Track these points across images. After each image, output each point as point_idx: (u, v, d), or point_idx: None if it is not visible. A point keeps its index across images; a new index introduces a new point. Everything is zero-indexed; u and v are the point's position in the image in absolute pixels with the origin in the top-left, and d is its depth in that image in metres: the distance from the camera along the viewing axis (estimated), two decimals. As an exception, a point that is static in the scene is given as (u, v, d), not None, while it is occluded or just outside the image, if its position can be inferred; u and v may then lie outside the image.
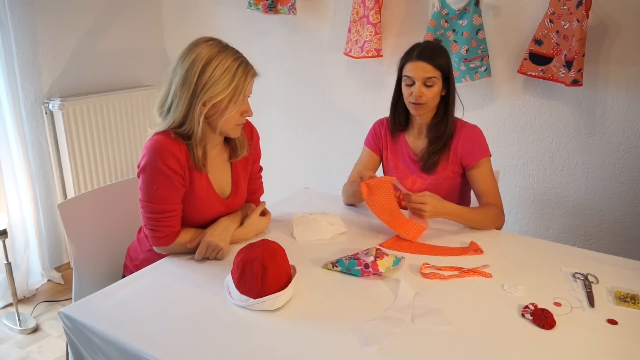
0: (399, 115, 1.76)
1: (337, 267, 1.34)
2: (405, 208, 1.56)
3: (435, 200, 1.51)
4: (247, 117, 1.43)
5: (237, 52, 1.37)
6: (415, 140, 1.76)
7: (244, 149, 1.52)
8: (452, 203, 1.57)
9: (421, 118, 1.70)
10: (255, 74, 1.38)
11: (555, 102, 2.16)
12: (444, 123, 1.68)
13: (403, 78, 1.66)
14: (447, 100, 1.67)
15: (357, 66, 2.62)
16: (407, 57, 1.65)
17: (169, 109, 1.36)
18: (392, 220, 1.53)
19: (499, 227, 1.63)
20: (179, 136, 1.37)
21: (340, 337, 1.05)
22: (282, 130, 2.99)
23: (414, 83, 1.62)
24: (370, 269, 1.29)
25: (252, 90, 1.40)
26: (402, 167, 1.79)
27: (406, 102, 1.67)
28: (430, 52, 1.62)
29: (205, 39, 1.36)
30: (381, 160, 1.86)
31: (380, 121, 1.84)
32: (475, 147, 1.66)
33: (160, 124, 1.38)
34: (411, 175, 1.77)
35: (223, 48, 1.34)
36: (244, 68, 1.35)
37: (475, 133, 1.69)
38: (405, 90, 1.66)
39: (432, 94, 1.62)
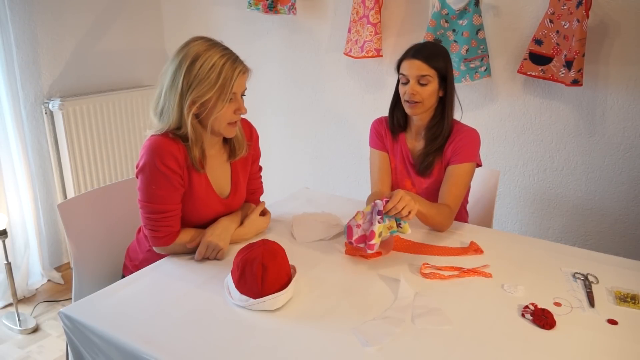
0: (398, 116, 1.75)
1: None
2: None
3: (407, 192, 1.39)
4: (242, 115, 1.40)
5: (225, 48, 1.34)
6: (414, 142, 1.75)
7: (242, 149, 1.51)
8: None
9: (418, 119, 1.70)
10: (245, 71, 1.35)
11: (555, 102, 2.16)
12: (441, 125, 1.66)
13: (399, 77, 1.66)
14: (444, 101, 1.66)
15: (357, 66, 2.62)
16: (404, 56, 1.65)
17: (162, 111, 1.35)
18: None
19: (443, 229, 1.57)
20: (177, 136, 1.37)
21: (340, 337, 1.05)
22: (282, 130, 2.99)
23: (408, 81, 1.62)
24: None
25: (245, 87, 1.38)
26: (400, 169, 1.78)
27: (402, 101, 1.67)
28: (427, 51, 1.62)
29: (195, 38, 1.34)
30: None
31: (379, 120, 1.82)
32: (464, 150, 1.64)
33: (157, 125, 1.37)
34: (409, 177, 1.76)
35: (210, 46, 1.32)
36: (232, 64, 1.32)
37: (470, 136, 1.66)
38: (400, 89, 1.66)
39: (427, 93, 1.61)
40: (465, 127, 1.69)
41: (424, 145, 1.71)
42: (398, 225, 1.38)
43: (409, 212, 1.35)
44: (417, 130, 1.73)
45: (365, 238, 1.35)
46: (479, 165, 1.70)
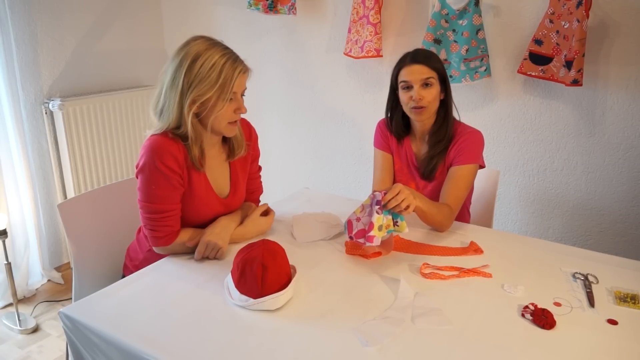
0: (397, 125, 1.74)
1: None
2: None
3: (405, 187, 1.39)
4: (241, 115, 1.40)
5: (226, 48, 1.35)
6: (418, 145, 1.75)
7: (241, 148, 1.51)
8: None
9: (422, 125, 1.69)
10: (245, 70, 1.36)
11: (555, 102, 2.16)
12: (444, 128, 1.66)
13: (399, 84, 1.65)
14: (445, 104, 1.66)
15: (357, 66, 2.62)
16: (401, 64, 1.65)
17: (162, 110, 1.36)
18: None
19: (443, 229, 1.57)
20: (177, 136, 1.37)
21: (340, 337, 1.05)
22: (282, 130, 2.99)
23: (411, 87, 1.61)
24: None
25: (245, 87, 1.38)
26: (405, 171, 1.78)
27: (406, 108, 1.66)
28: (423, 55, 1.64)
29: (195, 37, 1.35)
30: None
31: (384, 121, 1.82)
32: (467, 151, 1.63)
33: (157, 125, 1.37)
34: (414, 180, 1.77)
35: (211, 45, 1.32)
36: (232, 64, 1.32)
37: (474, 138, 1.66)
38: (403, 96, 1.65)
39: (432, 96, 1.61)
40: (469, 128, 1.69)
41: (427, 150, 1.71)
42: (395, 223, 1.37)
43: (407, 206, 1.34)
44: (421, 135, 1.73)
45: (365, 232, 1.34)
46: (482, 166, 1.69)
